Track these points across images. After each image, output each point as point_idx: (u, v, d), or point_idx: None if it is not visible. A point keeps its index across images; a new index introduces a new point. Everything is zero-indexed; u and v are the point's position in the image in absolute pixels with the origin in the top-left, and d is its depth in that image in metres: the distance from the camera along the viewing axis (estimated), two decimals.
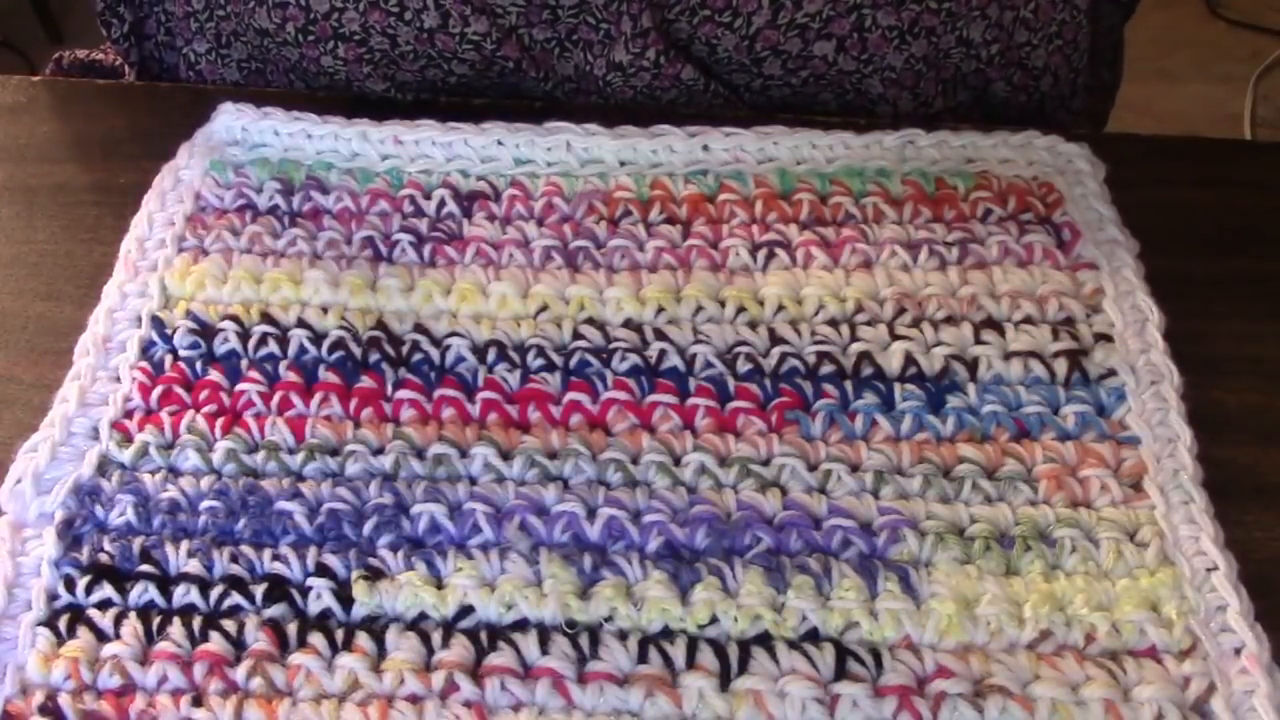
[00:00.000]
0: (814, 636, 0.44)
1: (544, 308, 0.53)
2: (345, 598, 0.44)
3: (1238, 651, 0.43)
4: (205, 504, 0.47)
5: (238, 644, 0.43)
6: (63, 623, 0.44)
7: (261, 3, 0.65)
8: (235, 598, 0.44)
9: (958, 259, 0.55)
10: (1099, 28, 0.72)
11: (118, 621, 0.44)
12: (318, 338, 0.52)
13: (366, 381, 0.50)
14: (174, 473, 0.48)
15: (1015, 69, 0.66)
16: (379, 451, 0.49)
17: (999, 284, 0.54)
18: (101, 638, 0.44)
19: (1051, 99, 0.69)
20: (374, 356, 0.51)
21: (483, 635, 0.43)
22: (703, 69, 0.64)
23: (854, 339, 0.52)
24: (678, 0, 0.61)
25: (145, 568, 0.45)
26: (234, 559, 0.45)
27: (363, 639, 0.43)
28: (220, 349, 0.51)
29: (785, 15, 0.62)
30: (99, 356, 0.51)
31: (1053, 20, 0.66)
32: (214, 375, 0.51)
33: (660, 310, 0.53)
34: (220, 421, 0.49)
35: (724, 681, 0.42)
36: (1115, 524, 0.46)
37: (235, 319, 0.53)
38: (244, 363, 0.51)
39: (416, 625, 0.44)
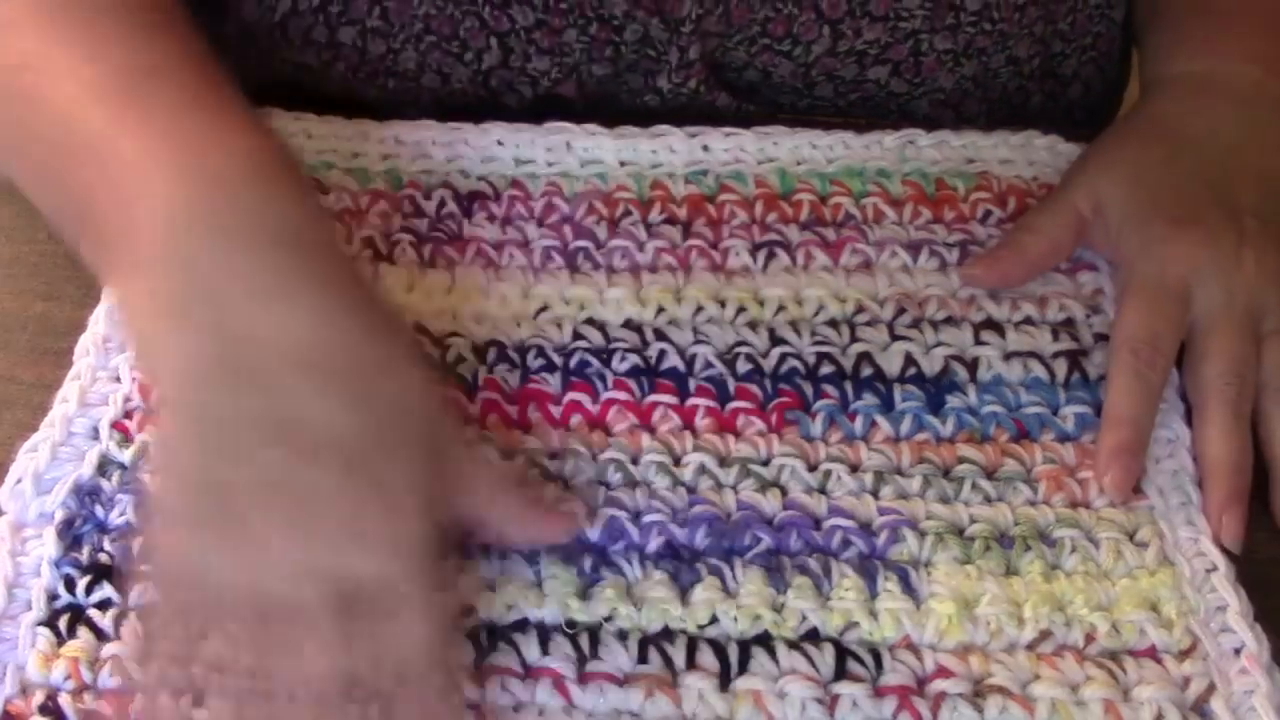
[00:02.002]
0: (814, 636, 0.44)
1: (544, 308, 0.53)
2: None
3: (1238, 651, 0.43)
4: None
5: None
6: (63, 622, 0.44)
7: (310, 44, 0.62)
8: None
9: (958, 260, 0.55)
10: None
11: (118, 621, 0.44)
12: None
13: None
14: None
15: (1050, 79, 0.66)
16: None
17: None
18: (102, 637, 0.44)
19: (1081, 108, 0.69)
20: None
21: (483, 635, 0.43)
22: (745, 94, 0.63)
23: (854, 340, 0.52)
24: (737, 30, 0.61)
25: (145, 567, 0.45)
26: None
27: None
28: None
29: (845, 43, 0.61)
30: (99, 356, 0.51)
31: (1089, 32, 0.66)
32: None
33: (660, 311, 0.53)
34: None
35: (724, 681, 0.42)
36: (1115, 524, 0.46)
37: None
38: None
39: None
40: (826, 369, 0.51)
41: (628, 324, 0.53)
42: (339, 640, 0.39)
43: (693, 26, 0.60)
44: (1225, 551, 0.45)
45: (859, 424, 0.49)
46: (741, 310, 0.53)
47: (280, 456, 0.41)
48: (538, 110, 0.62)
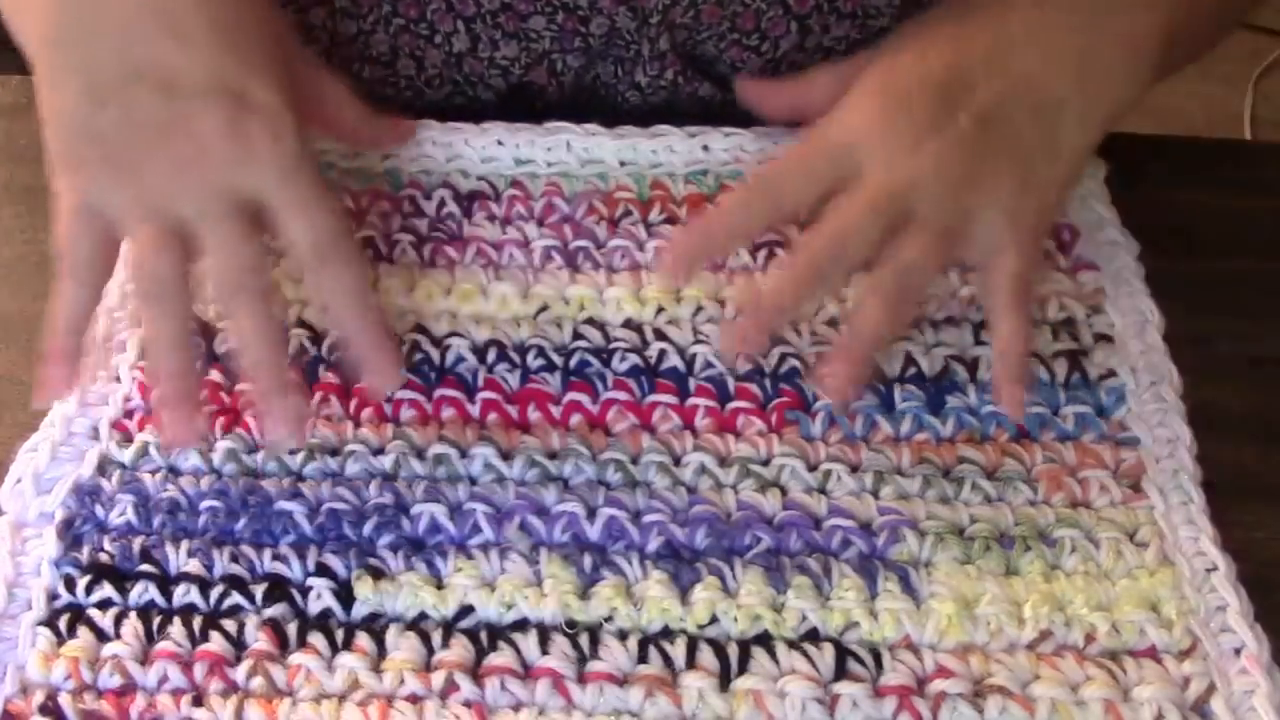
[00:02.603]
0: (814, 636, 0.44)
1: (544, 308, 0.53)
2: (345, 597, 0.45)
3: (1238, 652, 0.43)
4: (205, 504, 0.47)
5: (238, 644, 0.43)
6: (63, 622, 0.44)
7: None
8: (235, 597, 0.44)
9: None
10: None
11: (118, 621, 0.44)
12: (318, 337, 0.52)
13: None
14: (174, 472, 0.48)
15: None
16: (379, 451, 0.49)
17: None
18: (102, 637, 0.44)
19: None
20: None
21: (483, 635, 0.44)
22: (720, 85, 0.64)
23: None
24: (706, 25, 0.61)
25: (145, 567, 0.45)
26: (234, 559, 0.45)
27: (363, 639, 0.43)
28: (220, 348, 0.51)
29: (813, 39, 0.61)
30: (99, 357, 0.51)
31: None
32: (214, 375, 0.51)
33: (660, 310, 0.53)
34: (220, 421, 0.49)
35: (724, 681, 0.42)
36: (1115, 524, 0.47)
37: None
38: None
39: (416, 625, 0.44)
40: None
41: (628, 324, 0.53)
42: (248, 231, 0.46)
43: (660, 18, 0.60)
44: (1225, 551, 0.45)
45: (859, 424, 0.49)
46: (742, 310, 0.53)
47: (146, 93, 0.46)
48: (518, 105, 0.63)
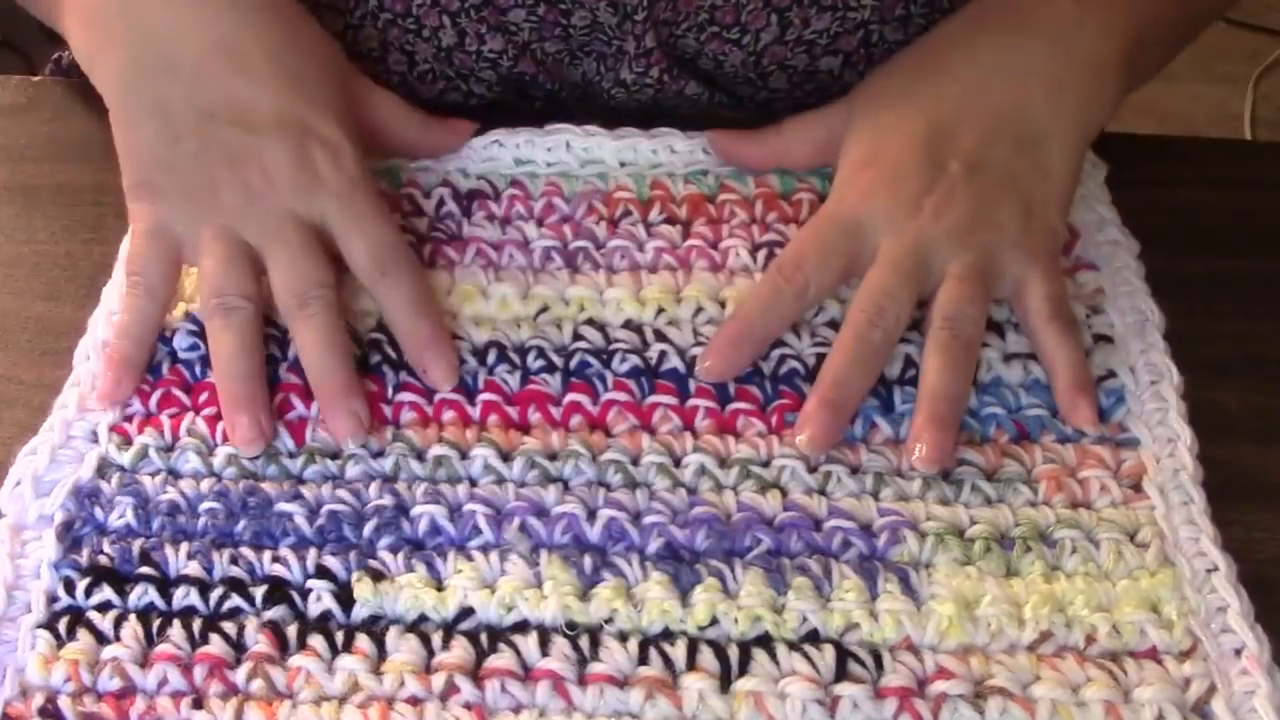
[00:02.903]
0: (814, 638, 0.44)
1: (544, 309, 0.53)
2: (345, 600, 0.44)
3: (1238, 652, 0.43)
4: (205, 506, 0.47)
5: (238, 646, 0.43)
6: (62, 625, 0.44)
7: None
8: (235, 600, 0.44)
9: None
10: None
11: (118, 624, 0.44)
12: None
13: (367, 384, 0.50)
14: (174, 475, 0.48)
15: None
16: (379, 454, 0.49)
17: None
18: (101, 640, 0.44)
19: None
20: (375, 359, 0.51)
21: (483, 637, 0.43)
22: (707, 83, 0.64)
23: None
24: (685, 17, 0.61)
25: (145, 570, 0.45)
26: (234, 561, 0.45)
27: (363, 641, 0.43)
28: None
29: (793, 32, 0.61)
30: (98, 360, 0.51)
31: None
32: (214, 378, 0.50)
33: (660, 311, 0.53)
34: (220, 424, 0.49)
35: (724, 683, 0.42)
36: (1115, 525, 0.46)
37: None
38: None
39: (417, 627, 0.44)
40: None
41: (628, 324, 0.53)
42: (312, 249, 0.51)
43: (644, 14, 0.60)
44: (1226, 552, 0.45)
45: (859, 425, 0.49)
46: None
47: (219, 129, 0.51)
48: (514, 101, 0.64)
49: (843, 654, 0.43)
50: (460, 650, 0.43)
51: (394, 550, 0.46)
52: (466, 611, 0.44)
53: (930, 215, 0.51)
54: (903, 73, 0.56)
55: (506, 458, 0.48)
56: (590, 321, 0.53)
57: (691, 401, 0.50)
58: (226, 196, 0.51)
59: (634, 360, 0.51)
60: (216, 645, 0.43)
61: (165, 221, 0.51)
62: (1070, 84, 0.54)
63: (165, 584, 0.45)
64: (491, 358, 0.51)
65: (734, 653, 0.43)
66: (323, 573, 0.45)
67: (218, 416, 0.49)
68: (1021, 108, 0.54)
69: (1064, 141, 0.54)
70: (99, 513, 0.47)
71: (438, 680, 0.42)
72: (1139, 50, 0.55)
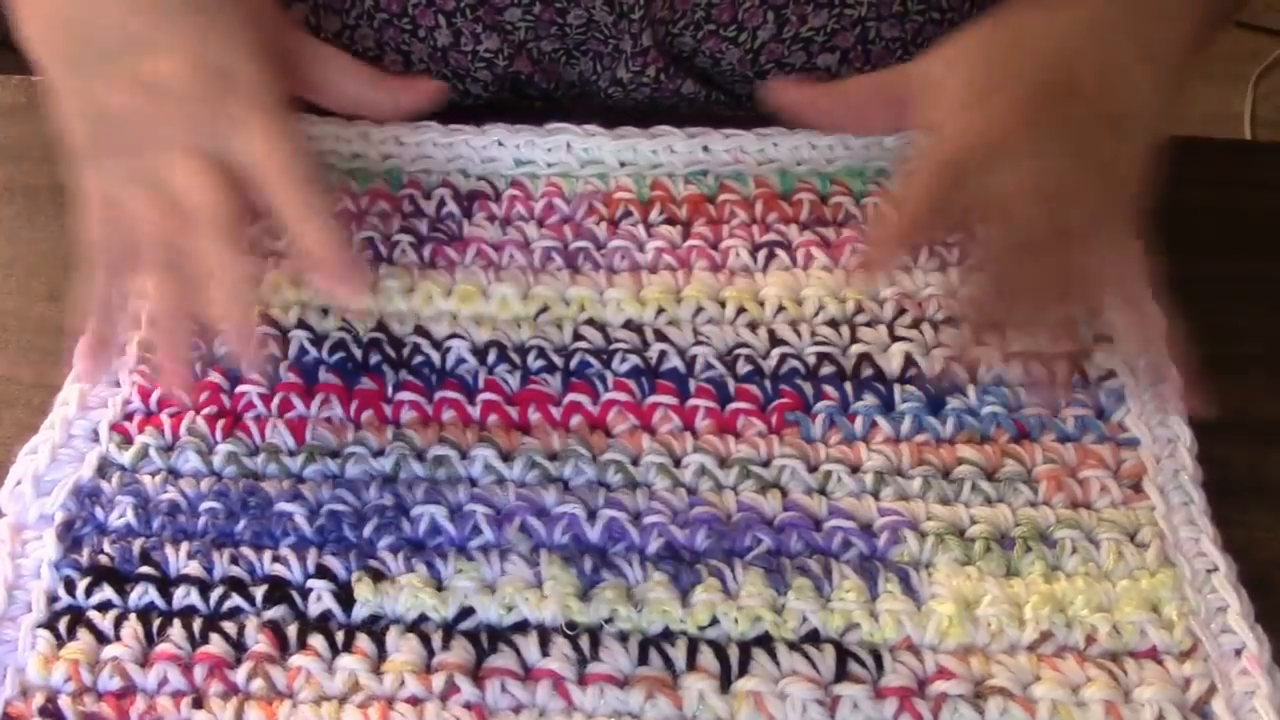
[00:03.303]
0: (814, 638, 0.44)
1: (544, 309, 0.53)
2: (345, 599, 0.44)
3: (1238, 652, 0.43)
4: (205, 506, 0.47)
5: (238, 646, 0.43)
6: (63, 625, 0.44)
7: None
8: (235, 599, 0.44)
9: (958, 260, 0.55)
10: None
11: (118, 623, 0.44)
12: (318, 339, 0.52)
13: (367, 383, 0.50)
14: (174, 474, 0.48)
15: None
16: (379, 453, 0.49)
17: None
18: (102, 640, 0.44)
19: None
20: (374, 358, 0.51)
21: (483, 637, 0.43)
22: (704, 81, 0.64)
23: (854, 340, 0.52)
24: (682, 15, 0.61)
25: (145, 569, 0.45)
26: (234, 561, 0.45)
27: (363, 641, 0.43)
28: (220, 350, 0.51)
29: (790, 29, 0.62)
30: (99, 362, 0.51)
31: None
32: (214, 377, 0.51)
33: (660, 311, 0.53)
34: (220, 423, 0.49)
35: (724, 683, 0.42)
36: (1115, 525, 0.46)
37: None
38: (244, 364, 0.51)
39: (417, 627, 0.44)
40: (827, 369, 0.51)
41: (628, 325, 0.53)
42: (221, 182, 0.48)
43: (641, 13, 0.60)
44: (1226, 552, 0.45)
45: (859, 425, 0.49)
46: (741, 311, 0.53)
47: (137, 80, 0.49)
48: (511, 100, 0.64)
49: (843, 654, 0.43)
50: (460, 650, 0.43)
51: (394, 550, 0.46)
52: (467, 611, 0.44)
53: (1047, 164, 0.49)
54: (990, 33, 0.53)
55: (507, 458, 0.48)
56: (590, 321, 0.53)
57: (691, 401, 0.50)
58: (150, 146, 0.49)
59: (634, 360, 0.51)
60: (217, 645, 0.43)
61: (106, 185, 0.50)
62: (1151, 71, 0.54)
63: (165, 584, 0.45)
64: (492, 358, 0.51)
65: (734, 653, 0.43)
66: (323, 572, 0.45)
67: (217, 416, 0.49)
68: (1119, 62, 0.52)
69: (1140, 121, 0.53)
70: (99, 512, 0.47)
71: (438, 680, 0.42)
72: (1195, 47, 0.55)
